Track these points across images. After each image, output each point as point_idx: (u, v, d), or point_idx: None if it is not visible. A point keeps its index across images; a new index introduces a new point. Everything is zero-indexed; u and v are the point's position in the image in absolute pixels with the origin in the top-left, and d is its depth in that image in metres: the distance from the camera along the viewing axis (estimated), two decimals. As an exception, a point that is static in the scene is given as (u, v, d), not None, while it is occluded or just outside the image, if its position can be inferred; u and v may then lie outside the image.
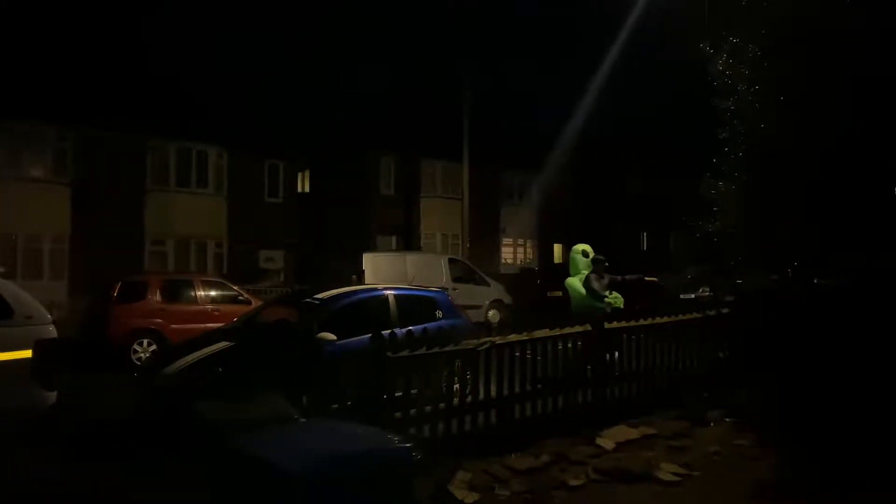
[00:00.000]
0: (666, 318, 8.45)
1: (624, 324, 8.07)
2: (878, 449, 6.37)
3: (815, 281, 9.13)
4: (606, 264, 9.92)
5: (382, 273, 17.08)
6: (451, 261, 19.33)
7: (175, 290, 13.34)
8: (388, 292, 8.44)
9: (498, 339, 7.15)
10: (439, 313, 8.52)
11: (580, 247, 10.23)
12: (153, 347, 12.27)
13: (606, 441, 7.01)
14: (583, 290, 9.74)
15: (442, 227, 28.10)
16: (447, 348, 6.81)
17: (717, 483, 6.02)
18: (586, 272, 9.92)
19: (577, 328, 7.72)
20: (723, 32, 9.03)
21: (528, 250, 31.38)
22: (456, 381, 6.97)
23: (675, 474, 6.15)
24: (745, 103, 8.67)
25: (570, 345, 7.64)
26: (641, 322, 8.22)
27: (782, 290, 9.75)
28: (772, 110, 8.29)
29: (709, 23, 12.71)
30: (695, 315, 8.78)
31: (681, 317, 8.61)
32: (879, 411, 6.98)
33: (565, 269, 10.29)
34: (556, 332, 7.53)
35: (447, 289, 14.33)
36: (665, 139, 29.79)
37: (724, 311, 9.15)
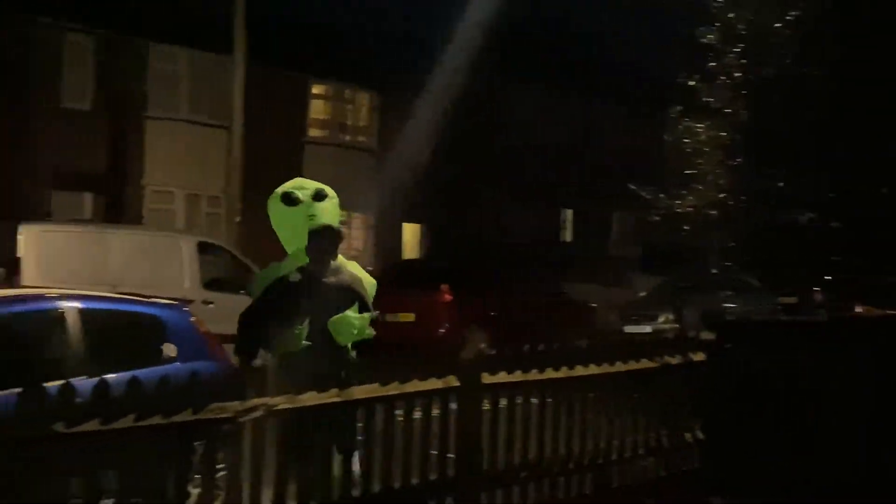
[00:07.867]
0: (593, 369, 5.40)
1: (519, 377, 5.06)
2: None
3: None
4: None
5: (61, 265, 10.34)
6: (202, 247, 11.74)
7: None
8: (68, 304, 5.20)
9: (281, 402, 4.29)
10: (169, 348, 5.42)
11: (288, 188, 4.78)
12: None
13: None
14: None
15: (187, 180, 16.46)
16: (177, 418, 3.97)
17: None
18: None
19: (435, 382, 4.79)
20: None
21: (357, 233, 19.12)
22: (197, 481, 4.09)
23: None
24: None
25: (414, 412, 4.73)
26: (550, 374, 5.20)
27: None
28: None
29: None
30: (644, 363, 5.71)
31: (617, 366, 5.55)
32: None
33: (424, 266, 6.99)
34: (394, 389, 4.60)
35: (191, 301, 8.88)
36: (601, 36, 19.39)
37: (697, 356, 6.05)
